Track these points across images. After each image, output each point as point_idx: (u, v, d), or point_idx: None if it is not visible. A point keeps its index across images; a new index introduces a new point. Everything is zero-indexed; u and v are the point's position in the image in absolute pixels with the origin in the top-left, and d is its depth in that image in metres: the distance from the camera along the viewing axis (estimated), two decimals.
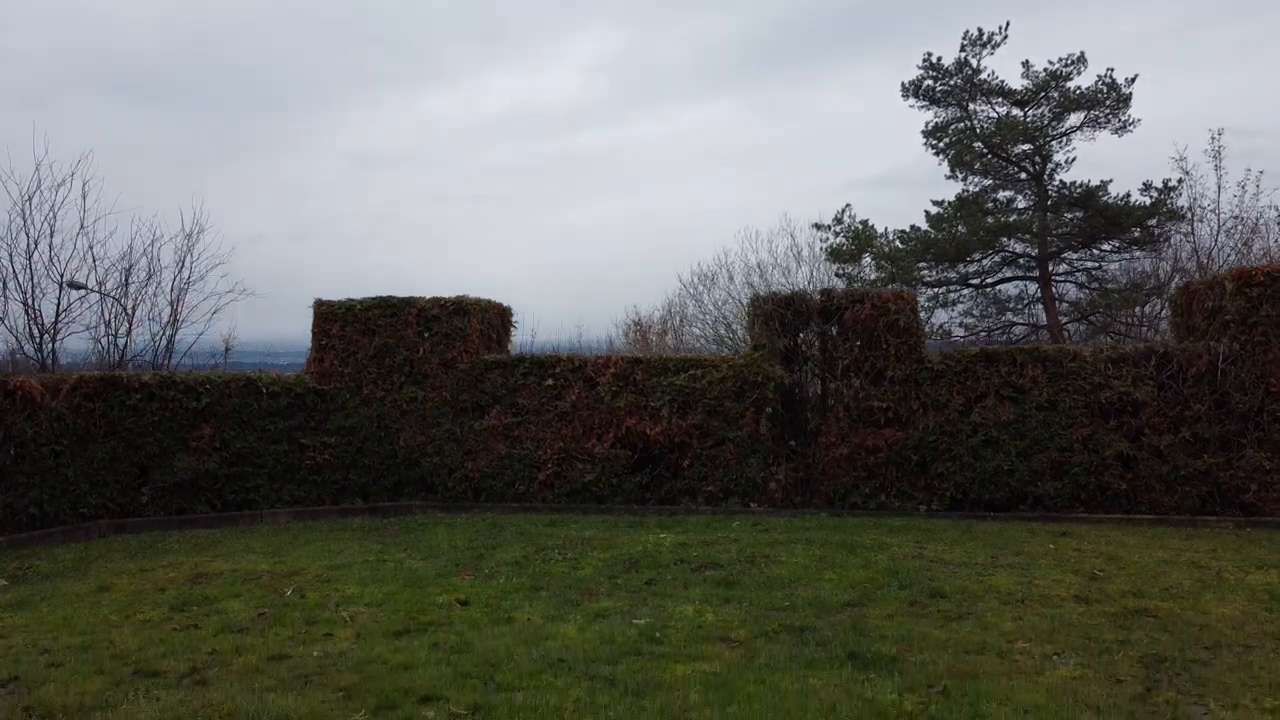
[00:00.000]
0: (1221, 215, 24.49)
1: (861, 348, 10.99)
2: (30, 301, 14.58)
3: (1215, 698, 4.75)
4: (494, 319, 12.33)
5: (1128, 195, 30.39)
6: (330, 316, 11.76)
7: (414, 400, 11.65)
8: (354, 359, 11.69)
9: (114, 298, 15.21)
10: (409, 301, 11.75)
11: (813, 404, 11.35)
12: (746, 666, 5.22)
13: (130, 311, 14.76)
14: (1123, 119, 30.97)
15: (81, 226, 14.41)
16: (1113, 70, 30.32)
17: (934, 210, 33.47)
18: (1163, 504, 10.27)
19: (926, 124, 32.68)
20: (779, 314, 11.27)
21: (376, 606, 6.62)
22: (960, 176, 32.92)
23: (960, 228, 32.43)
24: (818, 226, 32.79)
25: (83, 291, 16.10)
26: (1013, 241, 33.01)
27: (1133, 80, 30.41)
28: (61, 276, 14.47)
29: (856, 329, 10.98)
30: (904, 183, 47.31)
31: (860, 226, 33.92)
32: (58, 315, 14.78)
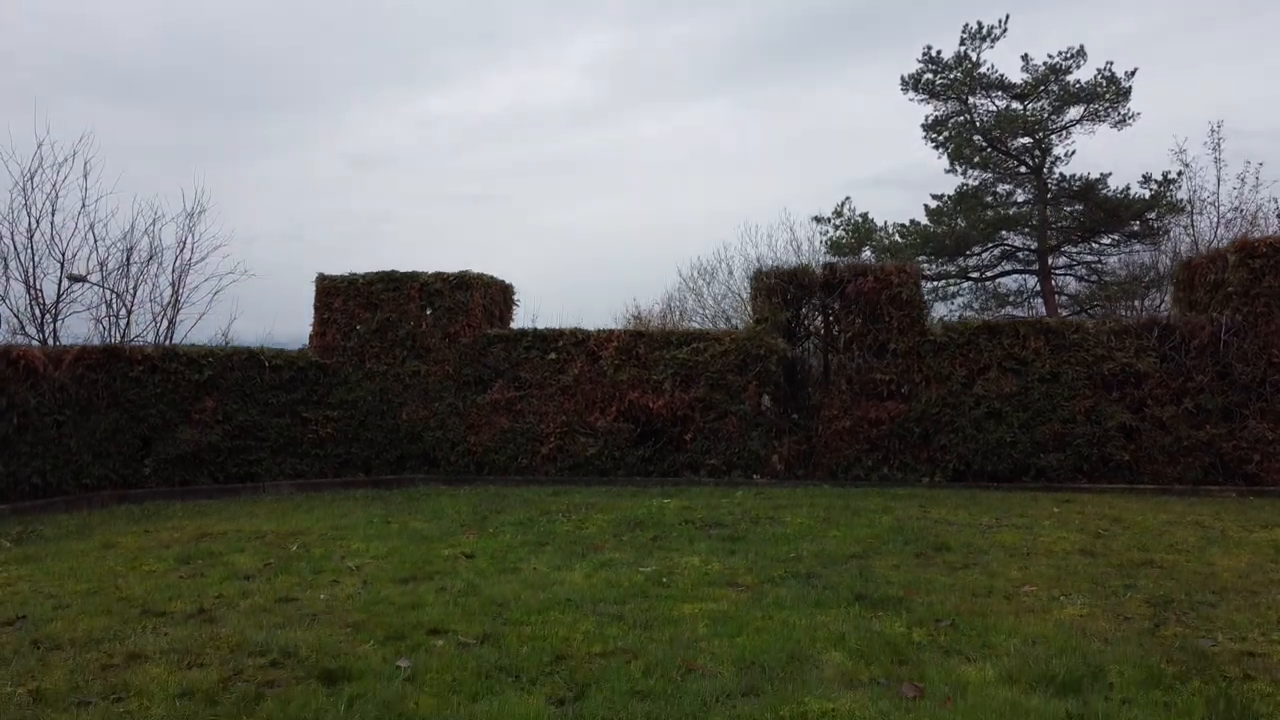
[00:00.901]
0: (1221, 207, 24.49)
1: (864, 320, 11.00)
2: (32, 281, 14.56)
3: (1223, 632, 4.76)
4: (496, 295, 12.33)
5: (1127, 188, 30.38)
6: (333, 290, 11.75)
7: (416, 374, 11.65)
8: (356, 333, 11.69)
9: (113, 290, 15.22)
10: (412, 276, 11.75)
11: (815, 377, 11.36)
12: (754, 605, 5.23)
13: (132, 291, 14.73)
14: (1122, 112, 31.00)
15: (83, 205, 14.41)
16: (1112, 64, 30.37)
17: (933, 204, 33.51)
18: (1165, 474, 10.28)
19: (926, 117, 32.71)
20: (781, 288, 11.27)
21: (382, 559, 6.62)
22: (960, 170, 32.97)
23: (960, 221, 32.47)
24: (817, 220, 32.77)
25: (84, 284, 16.11)
26: (1012, 235, 33.03)
27: (1132, 74, 30.44)
28: (63, 255, 14.45)
29: (859, 302, 10.98)
30: (903, 184, 47.34)
31: (860, 220, 33.92)
32: (59, 296, 14.77)
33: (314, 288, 11.86)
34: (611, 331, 11.50)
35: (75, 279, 16.54)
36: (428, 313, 11.69)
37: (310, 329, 11.91)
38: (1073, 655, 4.30)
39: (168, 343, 15.32)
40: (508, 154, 53.31)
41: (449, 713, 3.64)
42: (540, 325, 11.82)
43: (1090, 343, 10.53)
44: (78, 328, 15.23)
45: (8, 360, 10.01)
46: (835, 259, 20.80)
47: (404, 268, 11.77)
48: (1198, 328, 10.40)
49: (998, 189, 32.92)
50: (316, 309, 11.79)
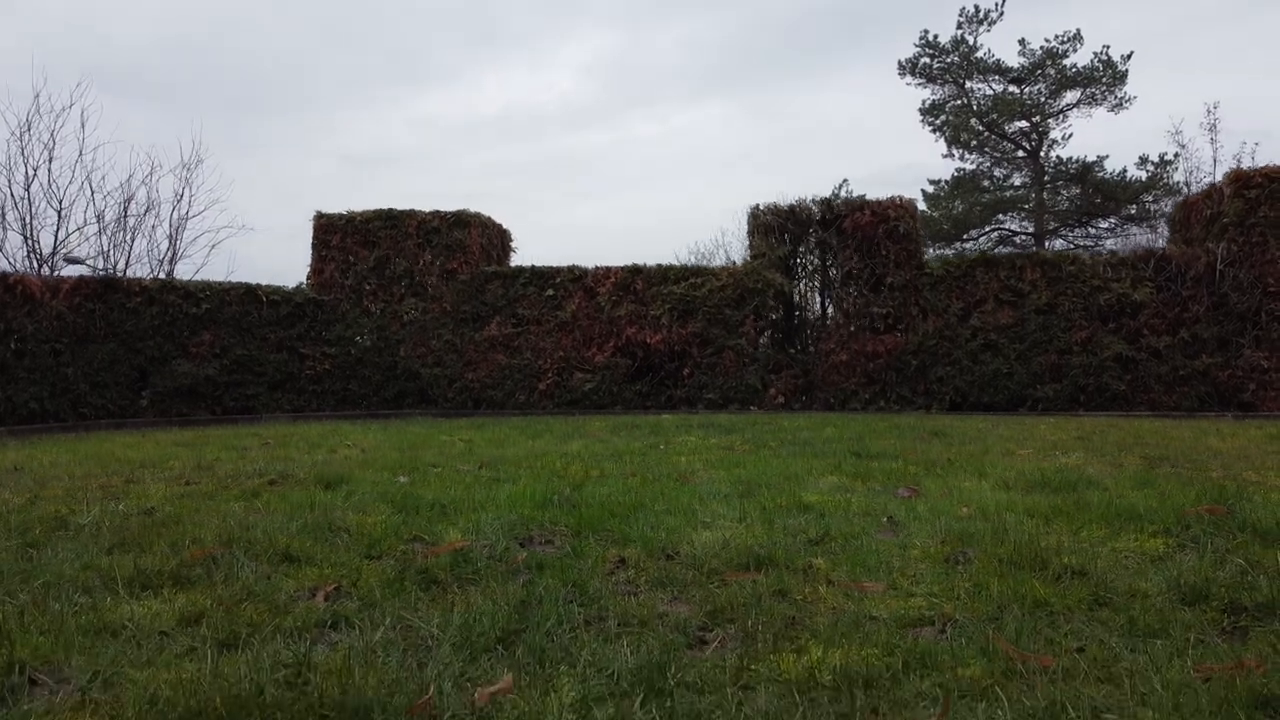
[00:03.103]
0: None
1: (861, 255, 11.02)
2: (29, 233, 14.57)
3: (1217, 472, 4.78)
4: (495, 237, 12.34)
5: (1124, 171, 30.47)
6: (330, 228, 11.76)
7: (414, 311, 11.65)
8: (354, 270, 11.69)
9: (109, 272, 15.25)
10: (409, 214, 11.75)
11: (812, 311, 11.38)
12: (750, 455, 5.25)
13: (129, 243, 14.75)
14: (1119, 96, 31.11)
15: (80, 155, 14.47)
16: (1108, 48, 30.47)
17: (930, 189, 33.57)
18: (1161, 403, 10.30)
19: (924, 102, 32.84)
20: (779, 225, 11.30)
21: (380, 441, 6.64)
22: (957, 154, 33.07)
23: (957, 204, 32.53)
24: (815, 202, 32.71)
25: (81, 267, 16.18)
26: (1009, 219, 33.08)
27: (1128, 57, 30.54)
28: (60, 203, 14.46)
29: (856, 236, 11.01)
30: (899, 184, 47.41)
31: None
32: (55, 246, 14.78)
33: (311, 225, 11.86)
34: (609, 268, 11.51)
35: (72, 261, 16.59)
36: (425, 250, 11.70)
37: (308, 267, 11.90)
38: (1068, 473, 4.32)
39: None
40: (504, 154, 53.40)
41: (448, 496, 3.65)
42: None
43: (1087, 274, 10.56)
44: None
45: (5, 285, 10.01)
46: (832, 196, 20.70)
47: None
48: (1193, 258, 10.43)
49: (995, 173, 33.05)
50: (314, 246, 11.80)
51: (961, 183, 32.90)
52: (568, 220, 50.81)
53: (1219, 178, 24.80)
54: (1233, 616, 2.15)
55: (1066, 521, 3.21)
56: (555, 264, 11.69)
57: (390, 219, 11.74)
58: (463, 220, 11.75)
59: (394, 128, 51.12)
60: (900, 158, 51.15)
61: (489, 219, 12.20)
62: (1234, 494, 3.63)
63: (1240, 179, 10.39)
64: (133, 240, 14.91)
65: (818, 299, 11.49)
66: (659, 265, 11.46)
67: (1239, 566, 2.49)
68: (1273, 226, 10.18)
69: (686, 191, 53.88)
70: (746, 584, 2.41)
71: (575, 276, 11.49)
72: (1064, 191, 31.59)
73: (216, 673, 1.73)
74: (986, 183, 32.66)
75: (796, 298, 11.59)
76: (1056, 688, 1.66)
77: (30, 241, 14.54)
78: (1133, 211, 30.83)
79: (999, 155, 32.46)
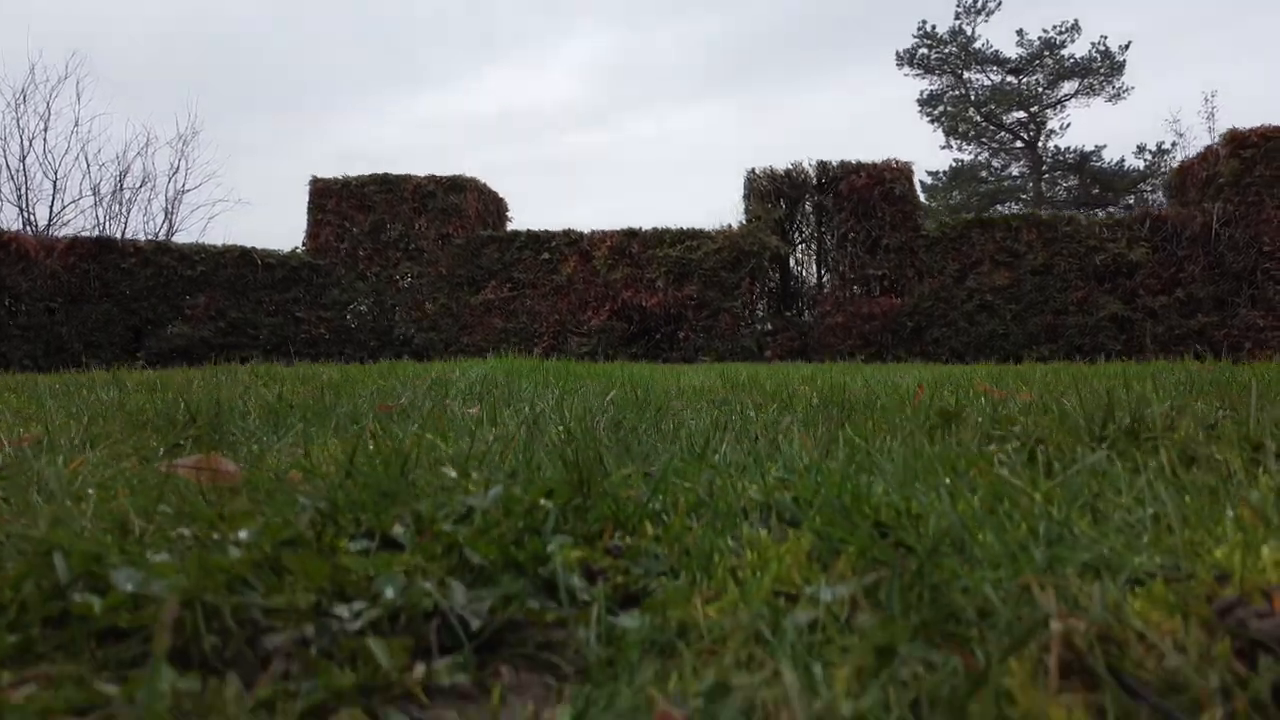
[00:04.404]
0: None
1: (857, 217, 11.02)
2: (24, 205, 14.56)
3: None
4: (491, 203, 12.34)
5: (1122, 160, 30.49)
6: (326, 192, 11.75)
7: (410, 276, 11.64)
8: (350, 234, 11.68)
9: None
10: (405, 178, 11.74)
11: (809, 274, 11.38)
12: (742, 372, 5.24)
13: (124, 215, 14.74)
14: (1117, 86, 31.14)
15: (75, 125, 14.43)
16: (1106, 38, 30.51)
17: (929, 180, 33.61)
18: None
19: (921, 93, 32.90)
20: (774, 189, 11.30)
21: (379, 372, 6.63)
22: (955, 145, 33.11)
23: (955, 194, 32.56)
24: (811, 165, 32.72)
25: None
26: (1007, 209, 33.09)
27: (1126, 48, 30.57)
28: (56, 174, 14.45)
29: (852, 199, 11.01)
30: None
31: None
32: (50, 219, 14.77)
33: (308, 190, 11.85)
34: (605, 231, 11.50)
35: None
36: (421, 214, 11.68)
37: (304, 232, 11.89)
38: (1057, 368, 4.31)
39: None
40: (503, 154, 53.50)
41: (425, 371, 3.63)
42: None
43: (1083, 234, 10.55)
44: None
45: None
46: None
47: None
48: (1189, 219, 10.43)
49: (993, 163, 33.11)
50: (310, 210, 11.78)
51: (959, 173, 32.96)
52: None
53: None
54: (1220, 401, 2.14)
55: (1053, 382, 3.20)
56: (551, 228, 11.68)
57: (386, 183, 11.73)
58: (459, 185, 11.74)
59: (392, 127, 51.20)
60: (899, 154, 51.16)
61: (485, 185, 12.20)
62: (1229, 367, 3.62)
63: (1236, 139, 10.39)
64: (128, 213, 14.87)
65: (814, 262, 11.49)
66: (654, 228, 11.45)
67: (1232, 380, 2.48)
68: (1268, 186, 10.18)
69: (686, 191, 54.04)
70: (731, 399, 2.39)
71: (571, 240, 11.48)
72: (1062, 181, 31.66)
73: (189, 404, 1.72)
74: (984, 173, 32.72)
75: (793, 262, 11.59)
76: (1033, 402, 1.64)
77: (25, 213, 14.52)
78: (1130, 201, 30.86)
79: (997, 146, 32.52)
